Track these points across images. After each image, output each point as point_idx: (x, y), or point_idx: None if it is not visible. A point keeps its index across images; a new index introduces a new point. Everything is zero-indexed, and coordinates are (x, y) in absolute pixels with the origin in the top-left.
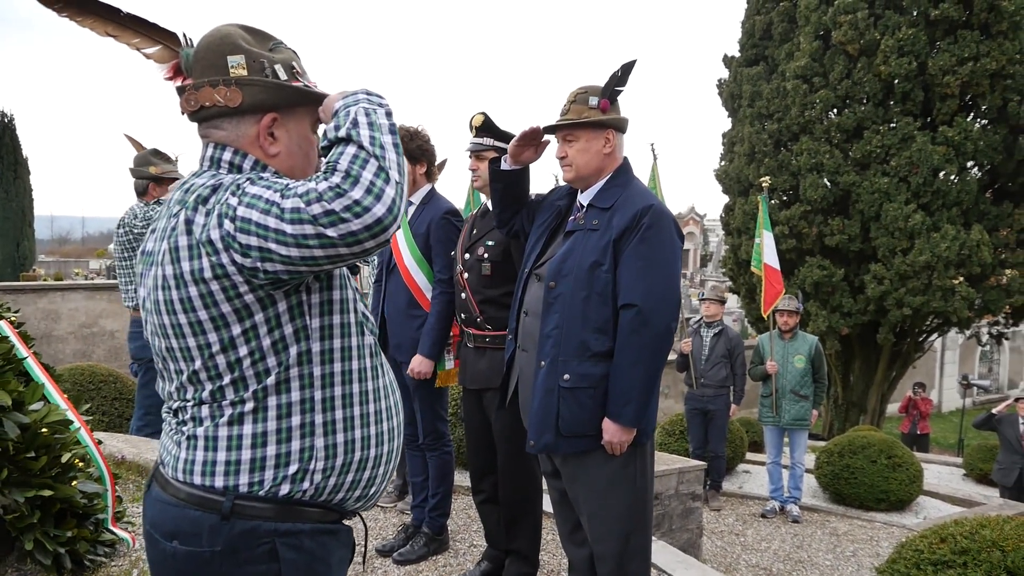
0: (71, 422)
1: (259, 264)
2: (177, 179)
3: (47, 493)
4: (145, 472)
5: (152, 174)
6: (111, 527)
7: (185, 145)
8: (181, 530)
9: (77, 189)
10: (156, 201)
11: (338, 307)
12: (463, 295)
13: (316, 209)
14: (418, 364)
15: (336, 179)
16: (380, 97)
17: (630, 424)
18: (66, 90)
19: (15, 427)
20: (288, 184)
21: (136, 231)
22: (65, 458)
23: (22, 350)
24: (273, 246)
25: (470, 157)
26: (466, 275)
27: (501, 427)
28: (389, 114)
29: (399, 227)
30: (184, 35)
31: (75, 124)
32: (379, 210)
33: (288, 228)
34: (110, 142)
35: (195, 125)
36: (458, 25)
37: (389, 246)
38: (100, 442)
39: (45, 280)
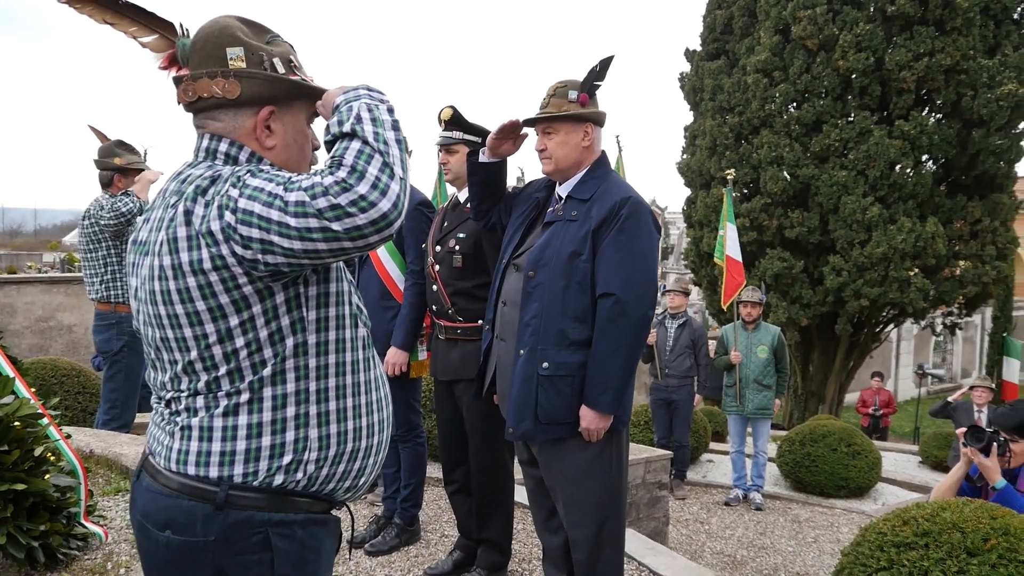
0: (42, 416)
1: (260, 256)
2: (142, 170)
3: (20, 487)
4: (115, 466)
5: (117, 165)
6: (83, 521)
7: (151, 136)
8: (174, 520)
9: (28, 180)
10: (124, 192)
11: (334, 299)
12: (434, 287)
13: (322, 203)
14: (393, 356)
15: (342, 174)
16: (381, 93)
17: (607, 411)
18: (15, 80)
19: None
20: (291, 177)
21: (102, 223)
22: (38, 452)
23: None
24: (276, 239)
25: (439, 151)
26: (437, 267)
27: (474, 418)
28: (391, 111)
29: (403, 222)
30: (181, 25)
31: (26, 114)
32: (384, 205)
33: (292, 221)
34: (62, 133)
35: (164, 116)
36: (427, 19)
37: None
38: (68, 436)
39: None
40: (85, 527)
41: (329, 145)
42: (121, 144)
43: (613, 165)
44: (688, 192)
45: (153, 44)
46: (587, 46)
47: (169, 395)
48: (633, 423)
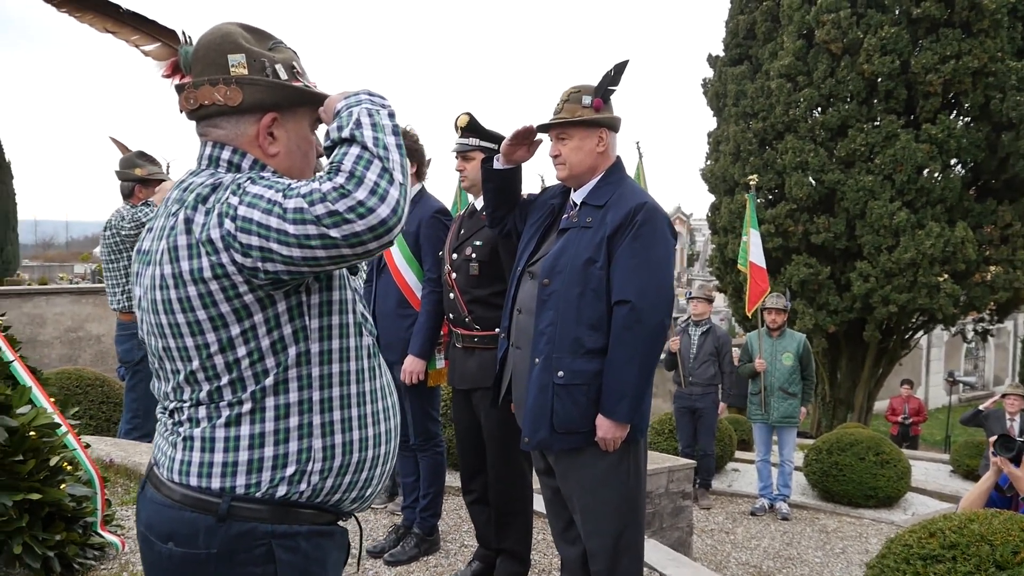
0: (59, 425)
1: (260, 264)
2: (164, 181)
3: (35, 497)
4: (134, 476)
5: (138, 176)
6: (100, 531)
7: (174, 149)
8: (177, 532)
9: (61, 193)
10: (145, 203)
11: (337, 308)
12: (451, 295)
13: (320, 210)
14: (410, 364)
15: (340, 179)
16: (382, 98)
17: (624, 420)
18: (50, 94)
19: (2, 431)
20: (290, 184)
21: (123, 233)
22: (53, 461)
23: (8, 353)
24: (275, 246)
25: (456, 158)
26: (454, 275)
27: (491, 426)
28: (392, 115)
29: (403, 228)
30: (183, 33)
31: (59, 128)
32: (383, 211)
33: (291, 228)
34: (94, 146)
35: (185, 128)
36: (443, 25)
37: None
38: (88, 446)
39: (29, 284)
40: (102, 536)
41: (329, 151)
42: (142, 155)
43: (633, 171)
44: (712, 198)
45: (156, 52)
46: (609, 51)
47: (172, 405)
48: (657, 431)
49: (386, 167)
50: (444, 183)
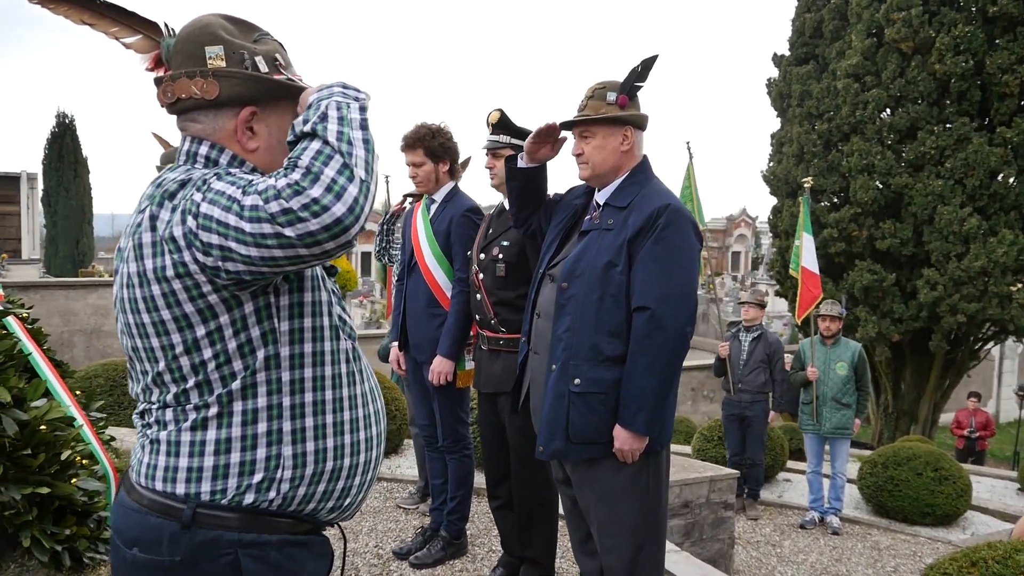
0: (74, 419)
1: (220, 263)
2: None
3: (44, 490)
4: None
5: None
6: None
7: None
8: (142, 537)
9: (137, 187)
10: None
11: (309, 310)
12: (478, 296)
13: (274, 207)
14: (438, 365)
15: (296, 176)
16: (356, 90)
17: (642, 432)
18: (125, 88)
19: (13, 424)
20: (252, 180)
21: None
22: (65, 455)
23: (28, 345)
24: (233, 245)
25: (487, 155)
26: (481, 275)
27: (514, 432)
28: (363, 108)
29: (362, 228)
30: (166, 25)
31: (134, 122)
32: (338, 209)
33: (247, 227)
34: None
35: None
36: (483, 17)
37: (412, 244)
38: (112, 439)
39: (102, 276)
40: None
41: (292, 146)
42: None
43: (683, 173)
44: (774, 201)
45: (137, 45)
46: (672, 49)
47: (143, 407)
48: (706, 438)
49: (347, 163)
50: (476, 181)
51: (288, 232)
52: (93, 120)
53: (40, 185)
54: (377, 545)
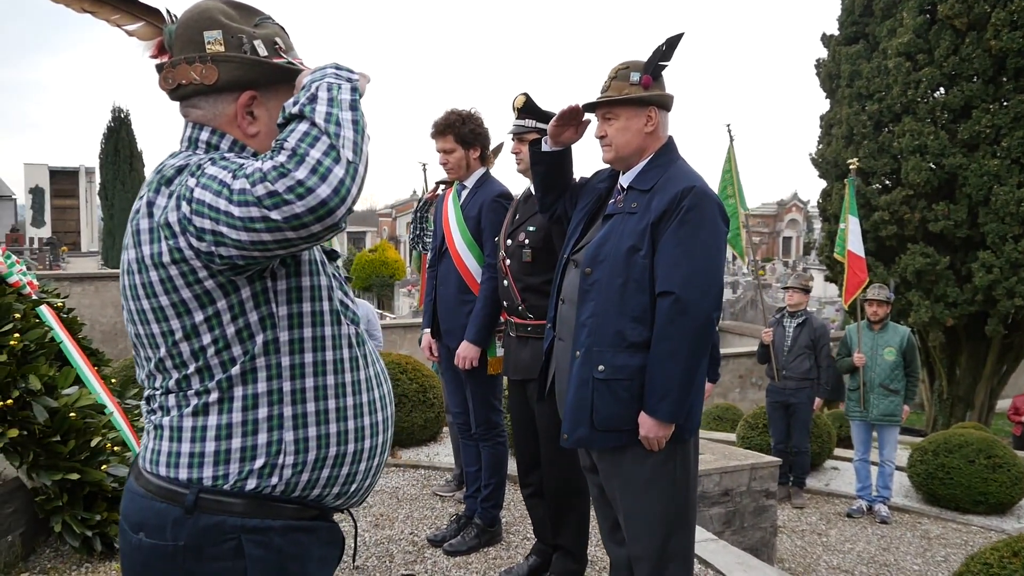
0: (104, 406)
1: (214, 248)
2: None
3: (74, 476)
4: None
5: None
6: None
7: None
8: (147, 522)
9: None
10: None
11: (308, 294)
12: (505, 282)
13: (260, 190)
14: (463, 350)
15: (281, 158)
16: (350, 71)
17: (667, 419)
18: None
19: (44, 411)
20: (243, 164)
21: None
22: (95, 442)
23: (60, 334)
24: (224, 229)
25: (512, 140)
26: (508, 261)
27: (543, 419)
28: (355, 90)
29: (350, 211)
30: (168, 11)
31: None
32: (323, 191)
33: (236, 211)
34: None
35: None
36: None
37: (442, 230)
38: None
39: None
40: None
41: (281, 128)
42: None
43: (724, 156)
44: (824, 184)
45: (140, 32)
46: (715, 30)
47: (147, 393)
48: (751, 426)
49: (333, 144)
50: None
51: (274, 215)
52: (147, 114)
53: (97, 179)
54: (412, 532)
